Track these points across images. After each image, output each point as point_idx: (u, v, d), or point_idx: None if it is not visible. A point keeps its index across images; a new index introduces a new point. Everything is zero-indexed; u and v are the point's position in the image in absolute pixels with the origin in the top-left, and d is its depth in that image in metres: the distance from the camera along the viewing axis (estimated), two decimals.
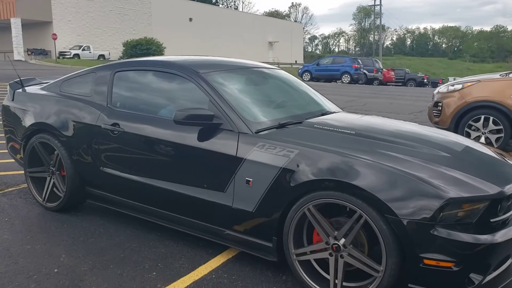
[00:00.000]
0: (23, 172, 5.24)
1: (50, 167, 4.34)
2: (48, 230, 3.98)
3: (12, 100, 4.74)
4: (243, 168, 3.20)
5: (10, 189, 5.05)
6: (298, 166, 2.99)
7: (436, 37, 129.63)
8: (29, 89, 4.74)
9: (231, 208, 3.27)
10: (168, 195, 3.59)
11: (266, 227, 3.16)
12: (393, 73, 38.35)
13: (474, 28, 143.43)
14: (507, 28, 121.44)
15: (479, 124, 7.37)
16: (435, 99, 7.97)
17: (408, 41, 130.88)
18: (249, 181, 3.17)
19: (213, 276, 3.26)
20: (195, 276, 3.24)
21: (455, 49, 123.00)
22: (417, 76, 41.18)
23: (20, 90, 4.77)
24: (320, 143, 3.10)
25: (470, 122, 7.45)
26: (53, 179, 4.34)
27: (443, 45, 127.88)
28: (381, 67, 36.46)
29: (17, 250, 3.58)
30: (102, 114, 3.94)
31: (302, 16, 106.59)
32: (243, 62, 4.41)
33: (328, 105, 4.32)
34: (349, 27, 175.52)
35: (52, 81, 4.72)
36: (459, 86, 7.59)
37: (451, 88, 7.74)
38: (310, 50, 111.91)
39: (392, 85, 35.75)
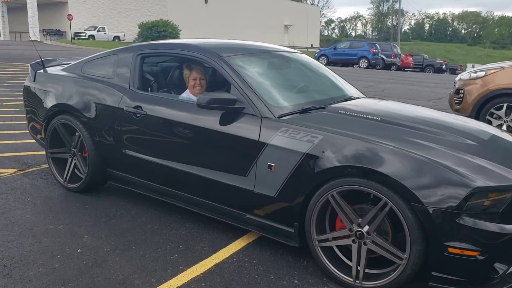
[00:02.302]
0: (43, 152, 5.33)
1: (72, 148, 4.37)
2: (70, 210, 4.02)
3: (34, 80, 4.76)
4: (265, 153, 3.19)
5: (31, 169, 5.10)
6: (322, 152, 2.96)
7: (455, 23, 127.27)
8: (50, 70, 4.76)
9: (252, 193, 3.27)
10: (189, 178, 3.60)
11: (288, 213, 3.16)
12: (411, 58, 37.86)
13: (495, 14, 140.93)
14: None
15: (501, 112, 7.25)
16: (457, 86, 7.85)
17: (427, 26, 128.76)
18: (271, 166, 3.16)
19: (234, 259, 3.27)
20: (216, 259, 3.26)
21: (475, 35, 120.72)
22: (435, 62, 40.63)
23: (42, 71, 4.79)
24: (345, 129, 3.07)
25: (492, 110, 7.33)
26: (75, 160, 4.37)
27: (463, 31, 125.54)
28: (399, 53, 35.96)
29: (40, 229, 3.63)
30: (125, 97, 3.94)
31: None
32: (265, 45, 4.37)
33: (350, 90, 4.27)
34: (366, 11, 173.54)
35: (73, 62, 4.73)
36: (482, 73, 7.46)
37: (473, 75, 7.61)
38: (326, 34, 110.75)
39: (410, 71, 35.33)
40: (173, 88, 4.17)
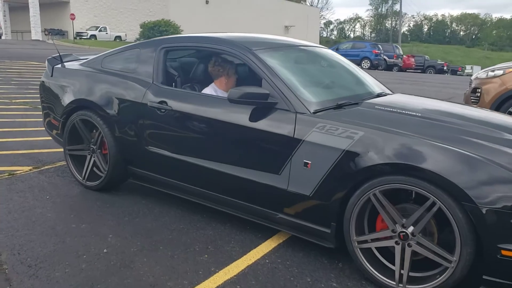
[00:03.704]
0: (57, 149, 5.22)
1: (91, 145, 4.23)
2: (91, 209, 3.88)
3: (51, 76, 4.62)
4: (301, 150, 3.05)
5: (46, 167, 4.96)
6: (363, 149, 2.83)
7: (454, 24, 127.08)
8: (68, 65, 4.62)
9: (286, 191, 3.13)
10: (217, 176, 3.46)
11: (325, 212, 3.02)
12: (413, 59, 37.76)
13: (493, 16, 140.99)
14: None
15: None
16: (473, 85, 7.72)
17: (425, 28, 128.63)
18: (308, 163, 3.02)
19: (267, 261, 3.13)
20: (248, 261, 3.12)
21: (473, 37, 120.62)
22: (436, 64, 40.56)
23: (59, 66, 4.65)
24: (387, 125, 2.94)
25: (510, 109, 7.20)
26: (94, 157, 4.23)
27: (461, 33, 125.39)
28: (401, 53, 35.90)
29: (63, 228, 3.49)
30: (148, 92, 3.80)
31: (319, 1, 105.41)
32: (290, 40, 4.23)
33: (379, 86, 4.13)
34: (365, 13, 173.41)
35: (91, 57, 4.59)
36: (500, 72, 7.33)
37: (491, 74, 7.47)
38: (325, 35, 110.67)
39: (412, 71, 35.21)
40: (197, 83, 4.03)
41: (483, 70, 8.02)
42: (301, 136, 3.06)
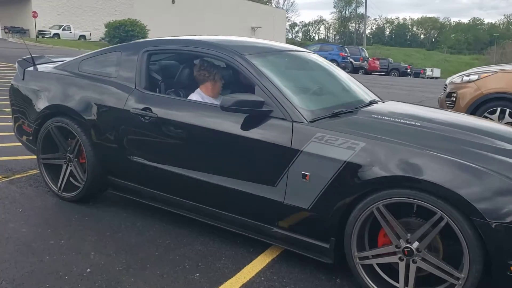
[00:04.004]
0: (29, 156, 4.90)
1: (67, 153, 3.97)
2: (69, 223, 3.62)
3: (23, 79, 4.32)
4: (298, 160, 2.90)
5: (17, 176, 4.65)
6: (365, 160, 2.70)
7: (414, 28, 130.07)
8: (41, 68, 4.33)
9: (282, 204, 2.98)
10: (207, 188, 3.27)
11: (324, 227, 2.88)
12: (378, 62, 38.33)
13: (452, 20, 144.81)
14: (483, 21, 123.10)
15: (495, 117, 7.18)
16: (448, 89, 7.76)
17: (387, 31, 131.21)
18: (306, 175, 2.87)
19: (262, 278, 2.97)
20: (243, 278, 2.95)
21: (433, 40, 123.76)
22: (400, 66, 41.37)
23: (31, 68, 4.36)
24: (388, 136, 2.82)
25: (485, 114, 7.26)
26: (70, 166, 3.97)
27: (421, 36, 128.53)
28: (367, 56, 36.39)
29: (40, 246, 3.23)
30: (131, 97, 3.58)
31: (284, 2, 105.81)
32: (276, 44, 4.07)
33: (369, 93, 4.03)
34: (329, 15, 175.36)
35: (67, 60, 4.32)
36: (475, 77, 7.39)
37: (466, 78, 7.53)
38: (290, 37, 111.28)
39: (376, 74, 35.71)
40: (181, 89, 3.83)
41: (457, 75, 8.09)
42: (299, 146, 2.91)
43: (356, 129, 2.90)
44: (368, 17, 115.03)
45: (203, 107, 3.36)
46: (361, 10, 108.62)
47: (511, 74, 7.25)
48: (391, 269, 2.78)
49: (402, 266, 2.66)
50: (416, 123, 3.09)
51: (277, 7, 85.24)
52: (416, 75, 42.85)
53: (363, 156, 2.72)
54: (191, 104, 3.43)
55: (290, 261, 3.18)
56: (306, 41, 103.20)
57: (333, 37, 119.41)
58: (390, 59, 44.96)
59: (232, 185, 3.16)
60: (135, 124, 3.53)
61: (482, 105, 7.25)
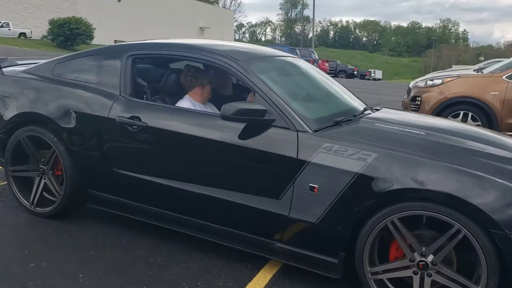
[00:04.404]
0: None
1: (41, 165, 3.65)
2: (47, 242, 3.32)
3: None
4: (305, 172, 2.77)
5: None
6: (378, 172, 2.61)
7: (357, 31, 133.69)
8: (7, 71, 3.96)
9: (287, 218, 2.84)
10: (203, 202, 3.09)
11: (332, 241, 2.77)
12: (327, 64, 39.00)
13: (392, 23, 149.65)
14: (422, 25, 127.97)
15: (458, 120, 7.37)
16: (413, 93, 7.91)
17: (331, 34, 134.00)
18: (314, 187, 2.75)
19: None
20: None
21: (375, 42, 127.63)
22: (348, 68, 42.34)
23: None
24: (398, 146, 2.75)
25: (449, 117, 7.44)
26: (44, 179, 3.65)
27: (364, 38, 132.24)
28: (317, 58, 36.91)
29: (20, 269, 2.92)
30: (115, 105, 3.33)
31: (231, 3, 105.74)
32: (265, 50, 3.93)
33: (358, 100, 3.95)
34: (276, 17, 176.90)
35: (38, 63, 3.98)
36: (439, 81, 7.57)
37: (429, 82, 7.71)
38: (237, 37, 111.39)
39: None
40: (167, 95, 3.61)
41: (421, 79, 8.27)
42: (305, 157, 2.78)
43: (364, 139, 2.81)
44: (313, 19, 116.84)
45: (199, 116, 3.17)
46: (306, 12, 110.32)
47: (473, 79, 7.49)
48: (401, 284, 2.70)
49: (416, 280, 2.59)
50: (421, 132, 3.03)
51: (224, 7, 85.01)
52: (362, 76, 44.02)
53: (375, 167, 2.63)
54: (186, 113, 3.22)
55: (291, 277, 3.05)
56: (253, 42, 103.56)
57: (280, 39, 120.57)
58: (338, 61, 45.89)
59: (231, 198, 2.99)
60: (121, 134, 3.29)
61: (446, 109, 7.44)
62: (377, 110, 3.71)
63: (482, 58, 71.74)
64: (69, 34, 30.16)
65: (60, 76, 3.67)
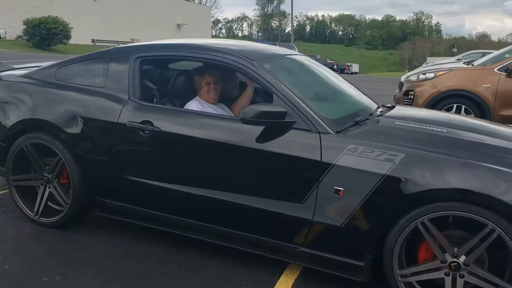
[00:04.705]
0: None
1: (45, 173, 3.50)
2: (57, 254, 3.18)
3: None
4: (330, 175, 2.70)
5: None
6: (406, 173, 2.56)
7: (333, 25, 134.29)
8: (5, 76, 3.79)
9: (310, 222, 2.77)
10: (222, 207, 2.99)
11: (358, 244, 2.71)
12: None
13: (367, 17, 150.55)
14: (395, 18, 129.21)
15: (451, 113, 7.40)
16: (406, 87, 7.91)
17: (308, 28, 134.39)
18: (339, 190, 2.68)
19: None
20: None
21: (350, 36, 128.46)
22: (327, 62, 42.57)
23: None
24: (424, 145, 2.69)
25: (442, 110, 7.46)
26: (49, 188, 3.51)
27: (340, 33, 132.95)
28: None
29: (33, 285, 2.79)
30: (125, 110, 3.20)
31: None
32: (272, 48, 3.84)
33: (369, 98, 3.90)
34: (252, 12, 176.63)
35: (37, 66, 3.82)
36: (431, 75, 7.58)
37: (422, 76, 7.72)
38: (214, 34, 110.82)
39: None
40: (176, 97, 3.50)
41: (413, 73, 8.28)
42: (330, 160, 2.71)
43: (389, 139, 2.75)
44: (289, 14, 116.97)
45: (216, 119, 3.07)
46: (283, 7, 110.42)
47: (465, 72, 7.53)
48: (429, 286, 2.66)
49: (448, 281, 2.55)
50: (443, 130, 2.99)
51: (200, 3, 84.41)
52: (342, 71, 44.33)
53: (403, 168, 2.57)
54: (201, 116, 3.12)
55: (314, 281, 2.99)
56: (231, 38, 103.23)
57: (256, 34, 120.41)
58: (318, 55, 46.03)
59: (252, 204, 2.90)
60: (132, 139, 3.17)
61: (439, 102, 7.45)
62: (390, 107, 3.65)
63: (456, 50, 73.07)
64: (45, 34, 29.50)
65: (63, 80, 3.52)
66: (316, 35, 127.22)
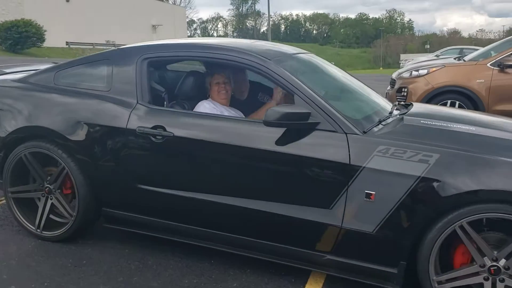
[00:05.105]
0: None
1: (46, 184, 3.28)
2: (66, 270, 2.97)
3: None
4: (360, 178, 2.57)
5: None
6: (442, 174, 2.44)
7: (307, 24, 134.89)
8: None
9: (339, 229, 2.64)
10: (244, 215, 2.84)
11: (391, 251, 2.59)
12: None
13: (340, 16, 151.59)
14: (369, 16, 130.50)
15: None
16: (398, 85, 7.85)
17: (283, 27, 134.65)
18: (371, 194, 2.55)
19: None
20: None
21: (325, 35, 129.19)
22: None
23: None
24: (456, 144, 2.58)
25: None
26: (51, 199, 3.29)
27: (314, 32, 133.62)
28: None
29: None
30: (134, 114, 3.01)
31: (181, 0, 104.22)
32: (281, 47, 3.69)
33: (381, 96, 3.78)
34: (227, 12, 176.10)
35: (32, 70, 3.59)
36: (424, 72, 7.54)
37: (415, 73, 7.67)
38: (189, 34, 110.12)
39: None
40: (184, 100, 3.33)
41: (405, 70, 8.23)
42: (360, 162, 2.57)
43: (420, 139, 2.62)
44: (264, 14, 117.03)
45: (234, 122, 2.91)
46: (257, 7, 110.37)
47: (458, 68, 7.51)
48: None
49: (488, 286, 2.44)
50: (471, 128, 2.88)
51: (174, 3, 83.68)
52: None
53: (439, 169, 2.46)
54: (219, 119, 2.95)
55: None
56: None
57: (232, 34, 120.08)
58: None
59: (276, 211, 2.75)
60: (143, 146, 2.98)
61: (433, 99, 7.41)
62: (406, 105, 3.54)
63: (428, 46, 74.17)
64: (18, 37, 28.61)
65: (64, 84, 3.30)
66: (291, 34, 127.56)
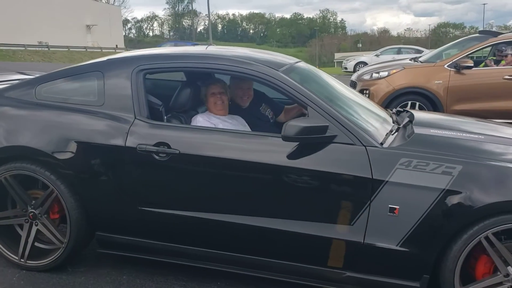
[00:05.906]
0: None
1: (30, 209, 2.98)
2: None
3: None
4: (383, 192, 2.50)
5: None
6: (467, 186, 2.42)
7: (244, 23, 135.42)
8: None
9: (360, 245, 2.56)
10: (257, 235, 2.70)
11: (415, 264, 2.55)
12: None
13: (276, 15, 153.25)
14: (303, 16, 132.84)
15: None
16: (360, 86, 7.94)
17: (220, 27, 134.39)
18: (395, 209, 2.49)
19: None
20: None
21: (262, 34, 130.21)
22: None
23: None
24: (475, 154, 2.59)
25: (398, 108, 7.57)
26: (37, 225, 2.99)
27: (251, 31, 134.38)
28: None
29: None
30: (133, 131, 2.78)
31: None
32: (277, 56, 3.55)
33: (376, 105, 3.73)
34: (162, 11, 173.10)
35: (13, 84, 3.24)
36: (385, 74, 7.67)
37: (375, 75, 7.78)
38: (124, 34, 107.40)
39: None
40: (180, 113, 3.14)
41: (363, 72, 8.34)
42: (382, 176, 2.50)
43: (440, 150, 2.58)
44: (200, 13, 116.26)
45: (245, 136, 2.76)
46: (194, 6, 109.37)
47: (417, 69, 7.71)
48: None
49: None
50: (480, 136, 2.89)
51: (108, 3, 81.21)
52: None
53: (463, 181, 2.43)
54: (226, 134, 2.78)
55: None
56: (141, 37, 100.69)
57: (168, 33, 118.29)
58: None
59: (294, 229, 2.63)
60: (146, 165, 2.76)
61: (394, 100, 7.56)
62: (400, 112, 3.52)
63: (360, 45, 76.58)
64: None
65: (47, 99, 3.00)
66: (229, 33, 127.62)
